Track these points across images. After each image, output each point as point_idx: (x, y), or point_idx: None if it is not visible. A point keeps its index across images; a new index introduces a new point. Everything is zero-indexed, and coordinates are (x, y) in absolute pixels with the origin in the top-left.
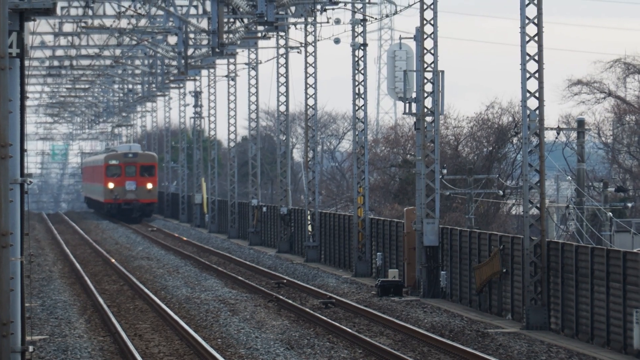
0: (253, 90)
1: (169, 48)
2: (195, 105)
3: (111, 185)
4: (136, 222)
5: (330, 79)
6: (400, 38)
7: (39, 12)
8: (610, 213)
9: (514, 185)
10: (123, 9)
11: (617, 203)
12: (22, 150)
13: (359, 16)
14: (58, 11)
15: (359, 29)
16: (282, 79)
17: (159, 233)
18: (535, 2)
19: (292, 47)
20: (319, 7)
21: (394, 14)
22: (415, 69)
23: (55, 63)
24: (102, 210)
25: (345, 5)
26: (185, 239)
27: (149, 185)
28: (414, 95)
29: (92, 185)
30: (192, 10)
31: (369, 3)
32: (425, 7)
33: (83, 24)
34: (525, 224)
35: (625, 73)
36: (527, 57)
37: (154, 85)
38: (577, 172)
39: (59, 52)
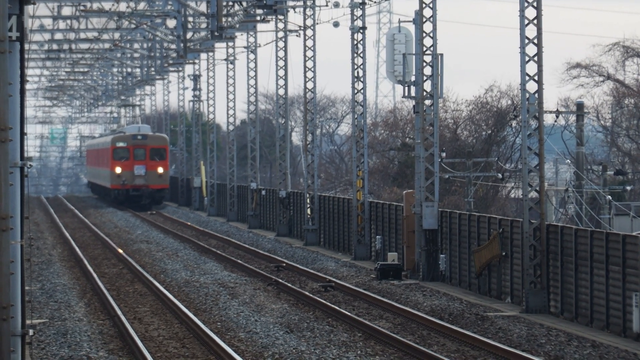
0: (252, 73)
1: (168, 31)
2: (194, 89)
3: (119, 170)
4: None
5: (329, 62)
6: (400, 21)
7: None
8: (609, 196)
9: (513, 168)
10: None
11: (616, 186)
12: (22, 134)
13: None
14: None
15: (358, 12)
16: (281, 63)
17: (157, 216)
18: None
19: (291, 31)
20: None
21: None
22: (414, 52)
23: (55, 46)
24: (108, 197)
25: None
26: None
27: (160, 170)
28: (413, 78)
29: (97, 170)
30: None
31: None
32: None
33: (82, 7)
34: (524, 207)
35: (624, 56)
36: (526, 41)
37: (153, 69)
38: (576, 155)
39: (58, 36)
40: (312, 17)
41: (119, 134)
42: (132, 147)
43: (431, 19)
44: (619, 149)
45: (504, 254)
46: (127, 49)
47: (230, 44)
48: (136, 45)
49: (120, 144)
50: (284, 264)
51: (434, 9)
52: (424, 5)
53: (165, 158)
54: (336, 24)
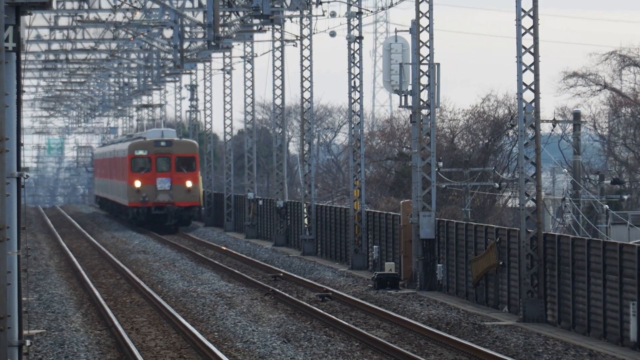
0: (249, 83)
1: (164, 42)
2: (191, 99)
3: (138, 184)
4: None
5: (326, 72)
6: (396, 31)
7: (35, 6)
8: (607, 205)
9: (510, 177)
10: (119, 3)
11: (613, 195)
12: (19, 144)
13: (354, 9)
14: (54, 5)
15: (355, 21)
16: (278, 72)
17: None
18: None
19: (287, 40)
20: (314, 0)
21: (389, 7)
22: (410, 61)
23: (51, 57)
24: (125, 216)
25: None
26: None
27: (189, 184)
28: (409, 88)
29: (110, 183)
30: (188, 4)
31: None
32: None
33: (79, 18)
34: (521, 216)
35: (620, 65)
36: (523, 50)
37: (149, 79)
38: (573, 164)
39: (55, 46)
40: (308, 26)
41: (137, 139)
42: (154, 155)
43: (427, 28)
44: (616, 158)
45: (501, 263)
46: (124, 59)
47: (227, 53)
48: (133, 56)
49: (140, 152)
50: (282, 274)
51: (430, 18)
52: (420, 14)
53: (195, 169)
54: (333, 34)
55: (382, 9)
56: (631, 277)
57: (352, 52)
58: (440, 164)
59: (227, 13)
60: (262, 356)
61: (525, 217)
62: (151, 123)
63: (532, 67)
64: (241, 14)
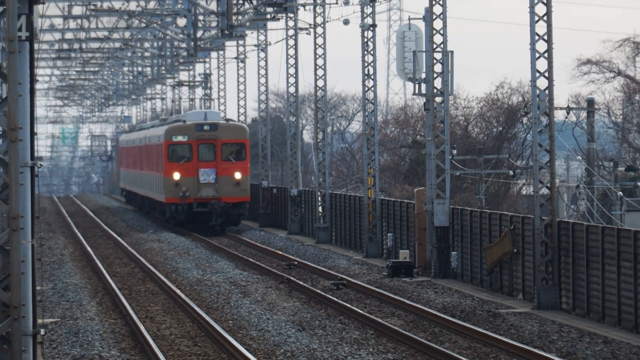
0: (262, 72)
1: (178, 30)
2: (205, 87)
3: (177, 176)
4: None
5: (340, 60)
6: (410, 19)
7: None
8: (621, 192)
9: (524, 165)
10: None
11: (628, 182)
12: (32, 134)
13: None
14: None
15: (368, 9)
16: (292, 61)
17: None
18: None
19: (301, 29)
20: None
21: None
22: (424, 49)
23: (65, 46)
24: (160, 214)
25: None
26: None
27: (237, 175)
28: (423, 75)
29: (141, 175)
30: None
31: None
32: None
33: (92, 7)
34: (535, 203)
35: (634, 52)
36: (537, 37)
37: (163, 68)
38: (587, 151)
39: (69, 35)
40: (322, 15)
41: (175, 123)
42: (196, 142)
43: (441, 16)
44: (630, 145)
45: (515, 250)
46: (137, 48)
47: (241, 42)
48: (147, 44)
49: (179, 138)
50: (296, 262)
51: (444, 6)
52: (433, 2)
53: (245, 158)
54: (346, 22)
55: None
56: None
57: (365, 40)
58: (454, 151)
59: (241, 1)
60: (276, 344)
61: (540, 205)
62: (185, 105)
63: (546, 55)
64: (255, 2)
